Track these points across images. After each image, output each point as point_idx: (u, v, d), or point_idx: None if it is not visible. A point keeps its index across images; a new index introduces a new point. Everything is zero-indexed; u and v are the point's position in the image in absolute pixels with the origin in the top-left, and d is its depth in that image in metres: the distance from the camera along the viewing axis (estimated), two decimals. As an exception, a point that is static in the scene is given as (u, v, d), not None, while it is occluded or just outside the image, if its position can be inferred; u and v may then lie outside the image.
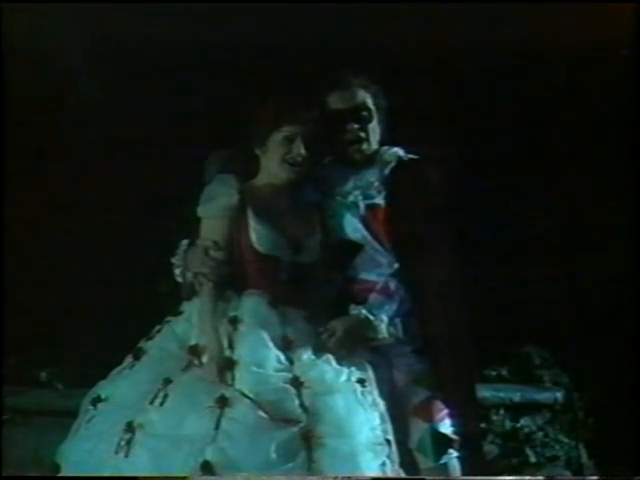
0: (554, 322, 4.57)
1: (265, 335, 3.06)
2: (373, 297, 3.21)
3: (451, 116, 4.54)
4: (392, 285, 3.22)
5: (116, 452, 2.89)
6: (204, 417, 2.89)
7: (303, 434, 2.89)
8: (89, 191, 4.54)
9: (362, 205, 3.30)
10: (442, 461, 3.17)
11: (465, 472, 3.20)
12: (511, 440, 4.47)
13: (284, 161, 3.20)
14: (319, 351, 3.09)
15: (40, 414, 4.28)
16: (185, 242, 3.25)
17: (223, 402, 2.91)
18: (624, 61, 4.05)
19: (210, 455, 2.82)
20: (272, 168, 3.24)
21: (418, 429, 3.18)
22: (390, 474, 2.98)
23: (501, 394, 4.50)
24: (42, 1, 4.26)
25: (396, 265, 3.25)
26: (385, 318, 3.18)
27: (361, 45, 4.17)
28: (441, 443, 3.17)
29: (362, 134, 3.29)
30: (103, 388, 3.09)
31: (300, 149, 3.19)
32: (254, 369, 2.99)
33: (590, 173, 4.49)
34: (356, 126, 3.28)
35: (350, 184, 3.31)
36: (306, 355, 3.07)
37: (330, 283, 3.29)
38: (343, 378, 3.05)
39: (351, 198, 3.31)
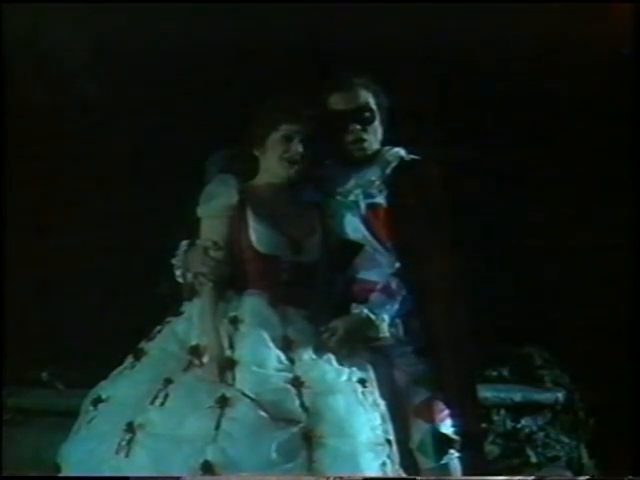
0: (555, 323, 4.57)
1: (266, 335, 3.06)
2: (374, 296, 3.22)
3: (452, 116, 4.54)
4: (393, 284, 3.22)
5: (117, 452, 2.90)
6: (205, 417, 2.89)
7: (304, 434, 2.90)
8: (89, 191, 4.54)
9: (363, 204, 3.30)
10: (443, 461, 3.17)
11: (466, 472, 3.20)
12: (512, 440, 4.47)
13: (282, 160, 3.21)
14: (320, 350, 3.10)
15: (41, 414, 4.27)
16: (185, 242, 3.25)
17: (224, 402, 2.91)
18: (624, 61, 4.06)
19: (211, 455, 2.82)
20: (271, 167, 3.25)
21: (419, 429, 3.18)
22: (391, 474, 2.98)
23: (502, 394, 4.50)
24: (42, 1, 4.26)
25: (397, 264, 3.25)
26: (386, 317, 3.18)
27: (361, 45, 4.18)
28: (442, 443, 3.17)
29: (364, 134, 3.29)
30: (104, 388, 3.09)
31: (298, 148, 3.19)
32: (255, 369, 2.99)
33: (590, 173, 4.48)
34: (358, 127, 3.28)
35: (351, 183, 3.31)
36: (307, 355, 3.07)
37: (331, 283, 3.30)
38: (344, 378, 3.05)
39: (352, 197, 3.31)
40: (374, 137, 3.32)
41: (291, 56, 4.28)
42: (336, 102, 3.30)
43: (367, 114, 3.30)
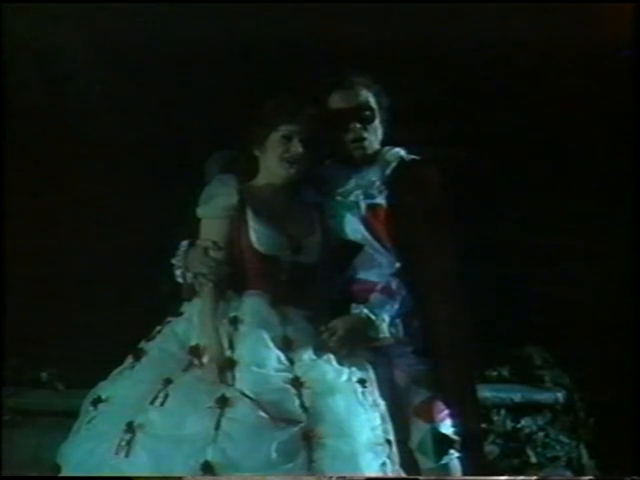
0: (555, 323, 4.57)
1: (265, 335, 3.06)
2: (374, 297, 3.22)
3: (452, 116, 4.54)
4: (393, 285, 3.22)
5: (116, 452, 2.89)
6: (204, 417, 2.89)
7: (303, 434, 2.90)
8: (89, 191, 4.54)
9: (363, 205, 3.30)
10: (443, 461, 3.18)
11: (466, 472, 3.20)
12: (512, 440, 4.47)
13: (282, 159, 3.21)
14: (320, 350, 3.10)
15: (40, 414, 4.28)
16: (185, 243, 3.25)
17: (223, 402, 2.91)
18: (624, 61, 4.05)
19: (210, 455, 2.82)
20: (271, 167, 3.24)
21: (419, 429, 3.18)
22: (390, 474, 2.97)
23: (502, 394, 4.50)
24: (42, 1, 4.26)
25: (397, 265, 3.25)
26: (386, 318, 3.18)
27: (362, 44, 4.18)
28: (442, 443, 3.17)
29: (364, 133, 3.29)
30: (103, 389, 3.09)
31: (298, 148, 3.19)
32: (254, 369, 2.99)
33: (591, 173, 4.49)
34: (359, 125, 3.28)
35: (352, 183, 3.31)
36: (307, 355, 3.07)
37: (330, 283, 3.30)
38: (344, 378, 3.05)
39: (352, 198, 3.31)
40: (374, 136, 3.32)
41: (291, 56, 4.27)
42: (336, 101, 3.30)
43: (367, 113, 3.30)
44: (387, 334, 3.19)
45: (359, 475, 2.92)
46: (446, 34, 4.24)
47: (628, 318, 4.00)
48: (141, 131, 4.48)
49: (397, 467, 3.00)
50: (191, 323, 3.15)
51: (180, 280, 3.23)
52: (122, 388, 3.06)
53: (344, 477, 2.94)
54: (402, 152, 3.37)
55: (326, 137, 3.25)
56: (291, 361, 3.05)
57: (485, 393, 4.31)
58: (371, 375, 3.12)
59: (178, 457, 2.84)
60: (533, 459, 4.46)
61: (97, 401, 3.05)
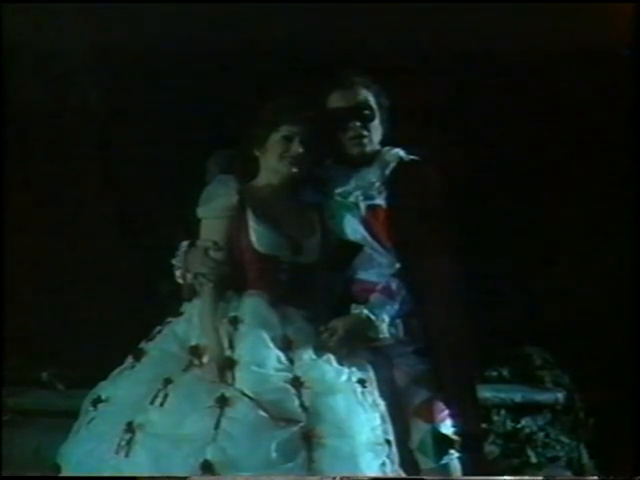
0: (555, 323, 4.57)
1: (265, 335, 3.06)
2: (374, 297, 3.22)
3: (452, 117, 4.54)
4: (394, 285, 3.22)
5: (116, 452, 2.90)
6: (204, 417, 2.89)
7: (303, 434, 2.90)
8: (89, 191, 4.54)
9: (363, 205, 3.30)
10: (443, 462, 3.17)
11: (466, 472, 3.20)
12: (512, 441, 4.47)
13: (282, 160, 3.21)
14: (320, 350, 3.10)
15: (41, 414, 4.28)
16: (185, 243, 3.26)
17: (223, 402, 2.91)
18: (624, 61, 4.06)
19: (210, 455, 2.82)
20: (271, 167, 3.25)
21: (419, 429, 3.18)
22: (390, 474, 2.98)
23: (502, 395, 4.50)
24: (42, 1, 4.26)
25: (397, 265, 3.26)
26: (386, 318, 3.18)
27: (361, 45, 4.18)
28: (442, 443, 3.17)
29: (364, 132, 3.30)
30: (103, 389, 3.10)
31: (298, 148, 3.20)
32: (254, 369, 3.00)
33: (590, 174, 4.49)
34: (358, 124, 3.29)
35: (351, 184, 3.32)
36: (307, 355, 3.07)
37: (330, 283, 3.30)
38: (344, 378, 3.05)
39: (352, 198, 3.31)
40: (374, 136, 3.32)
41: (291, 56, 4.28)
42: (336, 100, 3.30)
43: (367, 112, 3.30)
44: (387, 334, 3.20)
45: (360, 475, 2.92)
46: (446, 34, 4.25)
47: (628, 318, 4.00)
48: (141, 131, 4.48)
49: (397, 467, 3.01)
50: (191, 323, 3.16)
51: (180, 280, 3.24)
52: (122, 388, 3.06)
53: (348, 477, 2.94)
54: (402, 152, 3.37)
55: (326, 138, 3.26)
56: (291, 361, 3.05)
57: (485, 393, 4.31)
58: (371, 375, 3.13)
59: (178, 456, 2.84)
60: (533, 459, 4.46)
61: (97, 401, 3.05)
